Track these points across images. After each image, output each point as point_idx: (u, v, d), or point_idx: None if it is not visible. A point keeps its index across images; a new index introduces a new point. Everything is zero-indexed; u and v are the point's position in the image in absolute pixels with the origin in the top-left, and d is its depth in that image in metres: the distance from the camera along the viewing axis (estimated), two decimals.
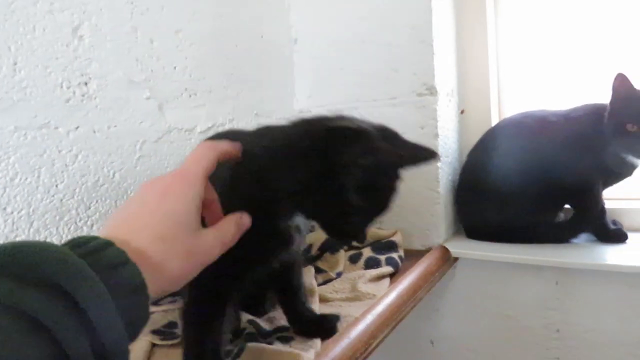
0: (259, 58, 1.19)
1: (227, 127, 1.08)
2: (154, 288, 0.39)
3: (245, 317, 0.77)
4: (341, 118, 0.59)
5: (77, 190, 0.79)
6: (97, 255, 0.35)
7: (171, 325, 0.77)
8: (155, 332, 0.74)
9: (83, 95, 0.80)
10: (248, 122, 1.14)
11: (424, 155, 0.60)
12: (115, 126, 0.85)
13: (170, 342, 0.71)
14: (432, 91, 1.13)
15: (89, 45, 0.81)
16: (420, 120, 1.14)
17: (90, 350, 0.32)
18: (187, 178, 0.48)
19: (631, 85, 0.99)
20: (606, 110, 1.03)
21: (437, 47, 1.13)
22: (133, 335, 0.36)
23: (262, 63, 1.20)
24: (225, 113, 1.08)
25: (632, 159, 1.03)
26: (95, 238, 0.37)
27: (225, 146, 0.53)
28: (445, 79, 1.18)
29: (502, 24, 1.32)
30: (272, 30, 1.24)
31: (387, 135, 0.59)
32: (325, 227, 0.61)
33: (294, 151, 0.56)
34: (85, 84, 0.80)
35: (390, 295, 0.84)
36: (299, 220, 0.64)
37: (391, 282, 0.93)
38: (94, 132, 0.82)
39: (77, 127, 0.79)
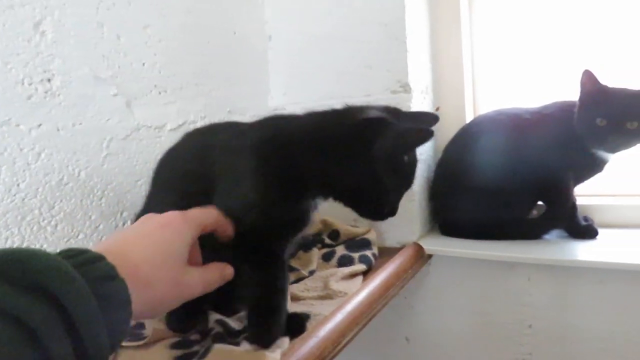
0: (232, 54, 1.17)
1: (199, 124, 1.06)
2: (136, 307, 0.40)
3: (214, 316, 0.76)
4: (366, 108, 0.67)
5: (40, 189, 0.77)
6: (87, 267, 0.36)
7: (138, 326, 0.76)
8: None
9: (46, 92, 0.78)
10: (221, 120, 1.12)
11: (430, 120, 0.75)
12: (80, 123, 0.83)
13: (136, 344, 0.70)
14: (406, 88, 1.13)
15: (51, 41, 0.79)
16: None
17: (72, 354, 0.33)
18: (188, 220, 0.52)
19: (597, 81, 1.01)
20: (576, 107, 1.04)
21: (410, 44, 1.13)
22: (112, 348, 0.37)
23: (236, 59, 1.19)
24: (197, 110, 1.06)
25: (602, 154, 1.04)
26: (87, 251, 0.39)
27: (225, 225, 0.59)
28: (419, 76, 1.18)
29: (477, 21, 1.32)
30: (246, 26, 1.23)
31: (396, 113, 0.69)
32: (360, 209, 0.69)
33: (332, 139, 0.63)
34: (49, 80, 0.78)
35: (361, 293, 0.83)
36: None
37: (364, 280, 0.93)
38: (58, 129, 0.80)
39: (39, 125, 0.77)
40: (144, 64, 0.94)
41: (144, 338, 0.70)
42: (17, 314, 0.30)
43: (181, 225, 0.51)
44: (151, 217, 0.52)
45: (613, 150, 1.02)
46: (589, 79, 1.02)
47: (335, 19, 1.19)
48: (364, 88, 1.17)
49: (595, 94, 1.01)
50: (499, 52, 1.32)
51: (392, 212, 0.69)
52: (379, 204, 0.67)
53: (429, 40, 1.27)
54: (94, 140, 0.85)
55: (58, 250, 0.38)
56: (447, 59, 1.29)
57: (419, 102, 1.17)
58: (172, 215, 0.52)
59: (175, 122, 1.00)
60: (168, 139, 0.97)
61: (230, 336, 0.71)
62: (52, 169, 0.79)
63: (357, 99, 1.15)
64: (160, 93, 0.97)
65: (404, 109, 1.10)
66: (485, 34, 1.32)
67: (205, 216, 0.56)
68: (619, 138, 0.99)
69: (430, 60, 1.28)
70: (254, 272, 0.65)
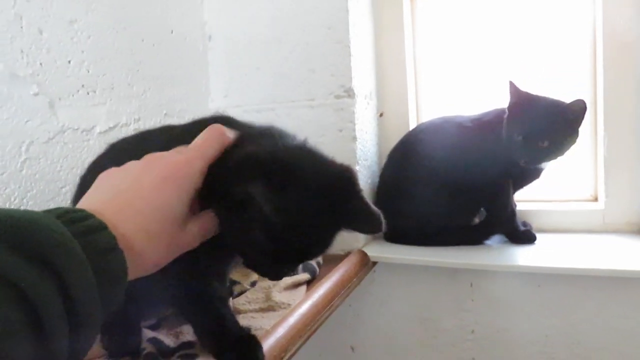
0: (168, 54, 1.11)
1: (133, 127, 1.00)
2: (129, 275, 0.39)
3: (147, 334, 0.70)
4: (255, 135, 0.54)
5: None
6: (89, 237, 0.35)
7: None
8: None
9: None
10: (156, 122, 1.06)
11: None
12: None
13: None
14: (349, 93, 1.11)
15: None
16: (339, 123, 1.12)
17: (67, 334, 0.32)
18: (190, 168, 0.47)
19: (520, 92, 1.03)
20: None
21: (354, 49, 1.11)
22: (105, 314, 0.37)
23: (173, 59, 1.13)
24: (130, 112, 0.99)
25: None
26: (89, 216, 0.37)
27: (231, 137, 0.51)
28: (363, 81, 1.17)
29: (419, 28, 1.33)
30: (184, 25, 1.17)
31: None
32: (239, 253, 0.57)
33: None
34: None
35: (304, 305, 0.80)
36: None
37: (308, 290, 0.90)
38: None
39: None
40: (69, 62, 0.87)
41: None
42: (16, 282, 0.30)
43: (183, 179, 0.46)
44: (151, 165, 0.46)
45: (528, 164, 1.04)
46: (513, 90, 1.04)
47: (278, 21, 1.16)
48: (308, 92, 1.14)
49: (517, 107, 1.03)
50: (441, 59, 1.33)
51: (267, 274, 0.55)
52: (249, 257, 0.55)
53: (373, 45, 1.26)
54: (10, 144, 0.77)
55: (62, 207, 0.37)
56: (390, 65, 1.29)
57: (362, 108, 1.16)
58: (173, 164, 0.46)
59: (106, 125, 0.93)
60: (97, 143, 0.90)
61: (163, 355, 0.66)
62: None
63: (300, 103, 1.13)
64: (88, 93, 0.90)
65: (348, 114, 1.11)
66: (428, 41, 1.33)
67: (211, 151, 0.49)
68: (531, 155, 1.01)
69: (374, 65, 1.27)
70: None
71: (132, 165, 0.47)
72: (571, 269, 0.95)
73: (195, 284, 0.60)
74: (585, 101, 0.97)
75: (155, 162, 0.47)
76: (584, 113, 0.99)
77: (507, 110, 1.06)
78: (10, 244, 0.31)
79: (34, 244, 0.32)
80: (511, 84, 1.04)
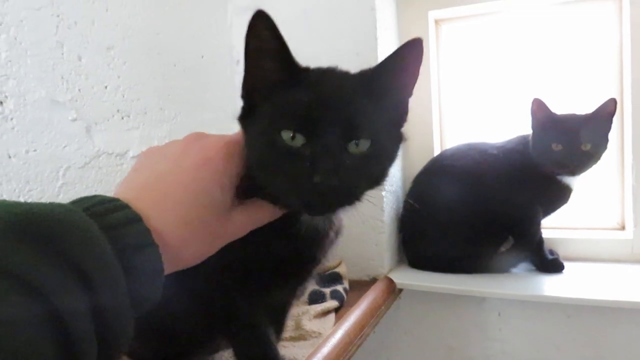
0: (198, 79, 1.13)
1: None
2: (166, 269, 0.36)
3: None
4: None
5: None
6: (122, 230, 0.33)
7: None
8: None
9: None
10: None
11: None
12: (34, 150, 0.76)
13: None
14: None
15: (5, 60, 0.72)
16: None
17: (93, 331, 0.30)
18: (231, 148, 0.44)
19: (547, 108, 1.04)
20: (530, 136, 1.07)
21: None
22: (139, 313, 0.34)
23: (202, 84, 1.14)
24: (161, 136, 1.00)
25: (566, 180, 1.06)
26: (124, 207, 0.35)
27: None
28: None
29: (444, 55, 1.33)
30: (213, 50, 1.18)
31: None
32: None
33: None
34: (1, 103, 0.71)
35: (336, 334, 0.79)
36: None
37: (337, 317, 0.89)
38: (10, 157, 0.72)
39: None
40: (106, 87, 0.88)
41: None
42: (39, 287, 0.27)
43: (223, 161, 0.43)
44: (190, 146, 0.44)
45: (573, 172, 1.04)
46: (539, 107, 1.05)
47: (306, 46, 1.16)
48: None
49: (546, 121, 1.05)
50: (464, 84, 1.33)
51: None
52: None
53: None
54: (49, 169, 0.78)
55: (95, 196, 0.35)
56: (415, 91, 1.28)
57: None
58: (213, 145, 0.44)
59: (138, 149, 0.94)
60: (130, 167, 0.91)
61: None
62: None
63: None
64: (122, 118, 0.91)
65: None
66: (452, 66, 1.34)
67: None
68: (576, 160, 1.01)
69: None
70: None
71: (172, 146, 0.45)
72: (601, 301, 0.94)
73: (246, 305, 0.59)
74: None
75: (196, 143, 0.44)
76: (615, 112, 1.01)
77: (533, 128, 1.06)
78: (30, 243, 0.28)
79: (57, 242, 0.29)
80: (536, 101, 1.05)
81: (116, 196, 0.37)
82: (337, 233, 0.60)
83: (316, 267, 0.61)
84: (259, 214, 0.46)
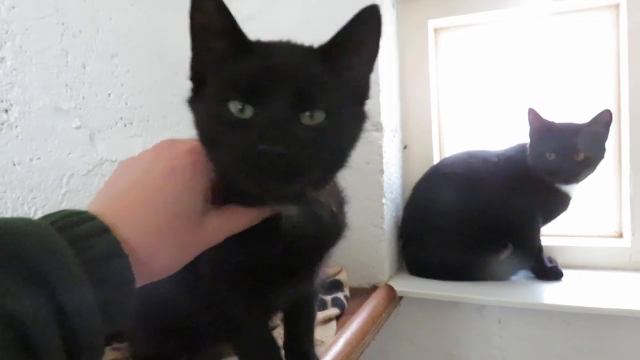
0: None
1: None
2: (138, 280, 0.36)
3: None
4: None
5: None
6: (89, 242, 0.33)
7: None
8: None
9: (2, 124, 0.71)
10: None
11: None
12: (39, 158, 0.76)
13: None
14: (377, 127, 1.12)
15: (10, 68, 0.72)
16: (366, 156, 1.13)
17: (61, 344, 0.29)
18: (198, 153, 0.43)
19: (541, 117, 1.06)
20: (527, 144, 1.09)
21: (383, 84, 1.13)
22: (114, 326, 0.34)
23: None
24: None
25: (565, 188, 1.07)
26: (90, 218, 0.35)
27: None
28: (390, 114, 1.18)
29: (443, 63, 1.35)
30: None
31: None
32: None
33: None
34: (6, 111, 0.72)
35: (338, 342, 0.79)
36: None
37: (338, 325, 0.89)
38: (14, 164, 0.73)
39: None
40: (109, 95, 0.89)
41: None
42: (8, 310, 0.27)
43: (194, 166, 0.42)
44: (158, 154, 0.43)
45: (566, 181, 1.05)
46: (534, 116, 1.07)
47: None
48: None
49: (541, 130, 1.06)
50: (463, 91, 1.34)
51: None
52: None
53: (398, 79, 1.28)
54: (52, 176, 0.78)
55: (64, 210, 0.34)
56: (414, 97, 1.31)
57: (389, 141, 1.17)
58: (184, 152, 0.42)
59: None
60: None
61: None
62: (5, 208, 0.71)
63: None
64: (125, 125, 0.92)
65: (376, 147, 1.12)
66: (451, 74, 1.35)
67: None
68: (569, 169, 1.02)
69: (399, 98, 1.28)
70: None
71: (144, 155, 0.44)
72: (601, 309, 0.95)
73: (242, 309, 0.58)
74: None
75: (165, 150, 0.43)
76: (610, 123, 1.02)
77: (530, 136, 1.08)
78: None
79: (21, 256, 0.29)
80: (531, 110, 1.06)
81: (89, 208, 0.37)
82: (328, 229, 0.55)
83: (309, 266, 0.58)
84: (234, 220, 0.45)
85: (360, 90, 0.51)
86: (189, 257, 0.42)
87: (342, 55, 0.47)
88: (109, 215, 0.36)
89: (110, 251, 0.34)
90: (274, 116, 0.42)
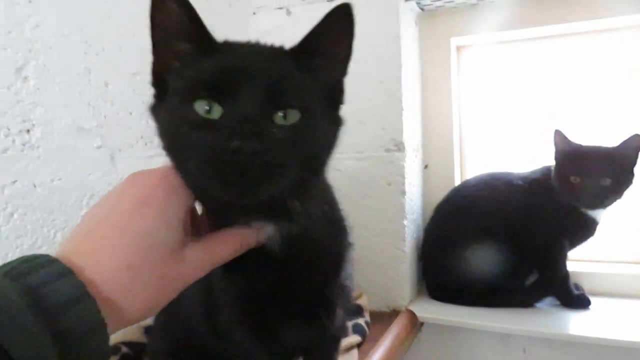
0: None
1: None
2: (113, 324, 0.34)
3: None
4: None
5: (10, 254, 0.67)
6: (49, 288, 0.31)
7: None
8: None
9: (24, 145, 0.70)
10: None
11: None
12: (59, 179, 0.74)
13: None
14: (400, 147, 1.10)
15: (34, 87, 0.71)
16: (387, 176, 1.10)
17: None
18: (170, 180, 0.41)
19: (568, 140, 1.03)
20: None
21: (405, 103, 1.11)
22: None
23: None
24: None
25: (591, 213, 1.04)
26: (50, 262, 0.32)
27: None
28: (412, 134, 1.16)
29: (465, 81, 1.32)
30: None
31: None
32: None
33: None
34: (28, 131, 0.70)
35: None
36: None
37: (360, 353, 0.87)
38: (35, 186, 0.71)
39: (14, 181, 0.68)
40: (131, 113, 0.87)
41: None
42: None
43: (167, 196, 0.39)
44: (125, 190, 0.40)
45: (590, 207, 1.02)
46: (560, 138, 1.04)
47: None
48: (356, 145, 1.13)
49: (567, 153, 1.03)
50: (486, 111, 1.32)
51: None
52: None
53: (420, 98, 1.26)
54: (73, 197, 0.77)
55: (23, 257, 0.33)
56: (436, 117, 1.28)
57: (410, 161, 1.15)
58: (155, 181, 0.40)
59: None
60: None
61: None
62: (25, 231, 0.69)
63: (348, 155, 1.11)
64: (146, 144, 0.90)
65: (398, 168, 1.09)
66: (473, 92, 1.32)
67: None
68: (593, 194, 0.99)
69: (421, 118, 1.26)
70: None
71: (112, 190, 0.42)
72: (628, 342, 0.91)
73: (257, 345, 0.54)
74: None
75: (134, 182, 0.41)
76: None
77: (555, 159, 1.05)
78: None
79: None
80: (557, 132, 1.04)
81: (56, 253, 0.35)
82: (323, 247, 0.51)
83: (312, 292, 0.52)
84: (216, 250, 0.42)
85: (334, 94, 0.49)
86: (170, 294, 0.39)
87: (314, 56, 0.46)
88: (75, 257, 0.34)
89: (73, 295, 0.31)
90: (246, 114, 0.39)
